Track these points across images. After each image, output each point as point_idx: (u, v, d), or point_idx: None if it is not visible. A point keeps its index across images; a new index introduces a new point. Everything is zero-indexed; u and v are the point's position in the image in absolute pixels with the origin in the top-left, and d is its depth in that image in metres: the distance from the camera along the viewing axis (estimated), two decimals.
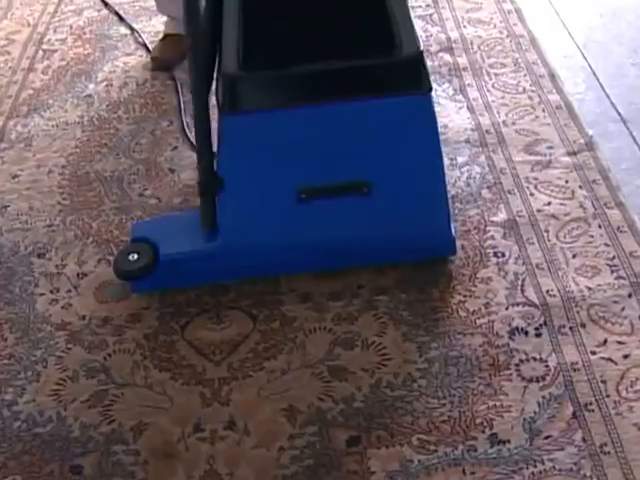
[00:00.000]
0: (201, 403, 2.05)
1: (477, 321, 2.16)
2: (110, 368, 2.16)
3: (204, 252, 2.30)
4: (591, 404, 1.94)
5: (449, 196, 2.34)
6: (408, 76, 2.14)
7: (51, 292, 2.38)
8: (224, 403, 2.04)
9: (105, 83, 3.23)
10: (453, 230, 2.31)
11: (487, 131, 2.77)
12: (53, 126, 3.03)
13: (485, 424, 1.93)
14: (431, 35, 3.28)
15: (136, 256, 2.29)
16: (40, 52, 3.46)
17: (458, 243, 2.33)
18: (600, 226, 2.38)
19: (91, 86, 3.22)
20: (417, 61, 2.13)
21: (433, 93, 2.18)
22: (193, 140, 2.80)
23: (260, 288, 2.32)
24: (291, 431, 1.96)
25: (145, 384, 2.11)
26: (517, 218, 2.43)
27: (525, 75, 3.01)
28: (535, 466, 1.84)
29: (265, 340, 2.19)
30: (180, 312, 2.29)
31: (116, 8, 3.66)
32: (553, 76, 2.98)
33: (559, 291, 2.21)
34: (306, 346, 2.16)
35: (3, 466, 1.96)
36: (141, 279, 2.30)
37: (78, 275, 2.42)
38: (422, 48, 2.15)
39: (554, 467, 1.83)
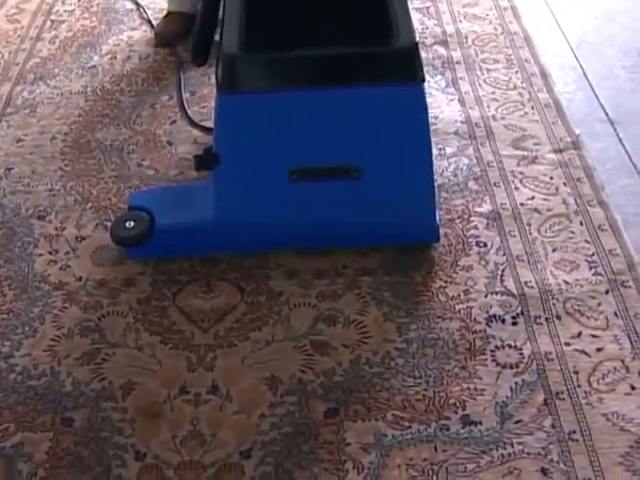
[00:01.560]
0: (187, 367, 2.09)
1: (456, 306, 2.20)
2: (103, 328, 2.20)
3: (198, 224, 2.33)
4: (562, 393, 1.98)
5: (436, 185, 2.37)
6: (402, 66, 2.16)
7: (50, 253, 2.41)
8: (209, 369, 2.08)
9: (109, 56, 3.25)
10: (438, 218, 2.34)
11: (476, 124, 2.80)
12: (58, 94, 3.06)
13: (458, 405, 1.97)
14: (427, 28, 3.31)
15: (132, 223, 2.32)
16: (48, 22, 3.48)
17: (442, 231, 2.37)
18: (582, 223, 2.42)
19: (96, 58, 3.25)
20: (412, 52, 2.15)
21: (426, 84, 2.20)
22: (191, 115, 2.86)
23: (249, 262, 2.35)
24: (272, 399, 2.00)
25: (136, 346, 2.15)
26: (501, 210, 2.46)
27: (517, 72, 3.04)
28: (505, 448, 1.88)
29: (251, 312, 2.22)
30: (172, 280, 2.32)
31: None
32: (544, 74, 3.01)
33: (537, 283, 2.24)
34: (290, 320, 2.19)
35: None
36: (136, 246, 2.33)
37: (76, 238, 2.46)
38: (417, 40, 2.17)
39: (523, 450, 1.87)
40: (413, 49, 2.15)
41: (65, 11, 3.54)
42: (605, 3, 3.44)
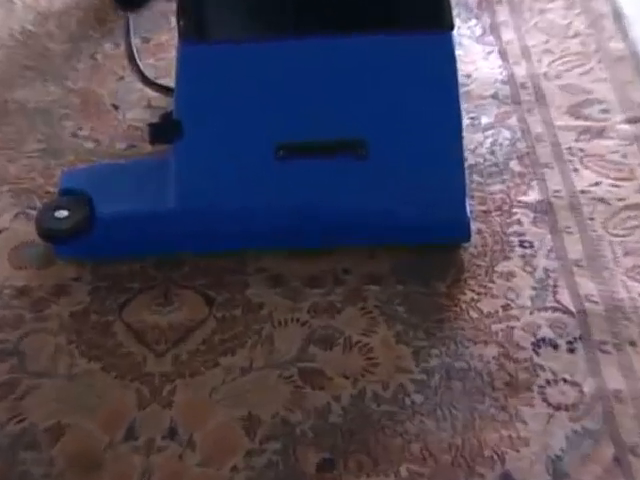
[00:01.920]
0: (137, 403, 2.10)
1: (493, 326, 2.22)
2: (25, 352, 2.21)
3: (154, 213, 2.38)
4: (638, 447, 1.96)
5: (466, 166, 2.41)
6: (424, 9, 2.20)
7: None
8: (166, 405, 2.10)
9: None
10: (468, 210, 2.37)
11: (522, 85, 2.85)
12: None
13: (496, 458, 1.96)
14: None
15: (65, 212, 2.35)
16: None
17: (474, 226, 2.40)
18: None
19: None
20: None
21: (455, 32, 2.24)
22: (143, 69, 2.84)
23: (221, 265, 2.40)
24: (249, 446, 2.02)
25: (68, 375, 2.16)
26: (553, 199, 2.49)
27: (579, 13, 3.09)
28: None
29: (223, 330, 2.25)
30: (119, 287, 2.35)
31: None
32: (619, 16, 3.05)
33: (602, 297, 2.26)
34: (274, 341, 2.22)
35: None
36: (71, 242, 2.37)
37: None
38: None
39: None
40: None
41: None
42: None
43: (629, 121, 2.71)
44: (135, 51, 2.94)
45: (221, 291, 2.35)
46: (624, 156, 2.62)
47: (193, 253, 2.42)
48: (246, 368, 2.18)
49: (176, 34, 2.27)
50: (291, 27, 2.22)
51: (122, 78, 2.95)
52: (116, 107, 2.85)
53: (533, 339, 2.20)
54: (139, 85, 2.86)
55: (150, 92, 2.84)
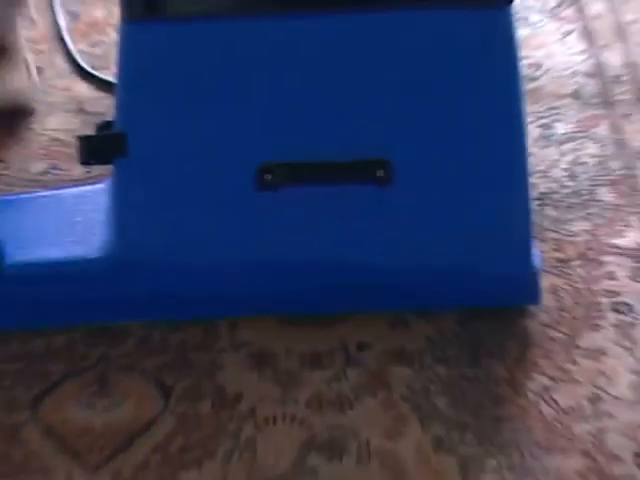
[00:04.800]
0: None
1: (575, 428, 2.22)
2: None
3: (82, 266, 2.39)
4: None
5: (534, 195, 2.42)
6: None
7: None
8: None
9: None
10: (537, 259, 2.38)
11: (616, 78, 2.88)
12: None
13: None
14: None
15: None
16: None
17: (546, 282, 2.43)
18: None
19: None
20: None
21: (516, 4, 2.22)
22: (77, 57, 2.95)
23: (181, 337, 2.42)
24: None
25: None
26: None
27: None
28: None
29: (184, 432, 2.25)
30: (35, 372, 2.36)
31: None
32: None
33: None
34: (257, 448, 2.22)
35: None
36: None
37: None
38: None
39: None
40: None
41: None
42: None
43: None
44: (63, 31, 3.00)
45: (182, 376, 2.36)
46: None
47: (139, 322, 2.44)
48: None
49: (117, 9, 2.26)
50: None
51: (42, 70, 2.96)
52: (31, 112, 2.86)
53: (635, 447, 2.19)
54: (66, 79, 2.93)
55: (80, 89, 2.90)
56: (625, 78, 2.85)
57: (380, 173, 2.27)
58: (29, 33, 3.03)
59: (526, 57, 2.29)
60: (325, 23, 2.20)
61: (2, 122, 2.82)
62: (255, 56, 2.22)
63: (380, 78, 2.25)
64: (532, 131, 2.43)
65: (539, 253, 2.40)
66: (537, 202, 2.44)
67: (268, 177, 2.28)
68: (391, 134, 2.27)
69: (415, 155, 2.28)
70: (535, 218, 2.39)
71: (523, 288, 2.39)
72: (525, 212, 2.34)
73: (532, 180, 2.37)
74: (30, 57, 2.79)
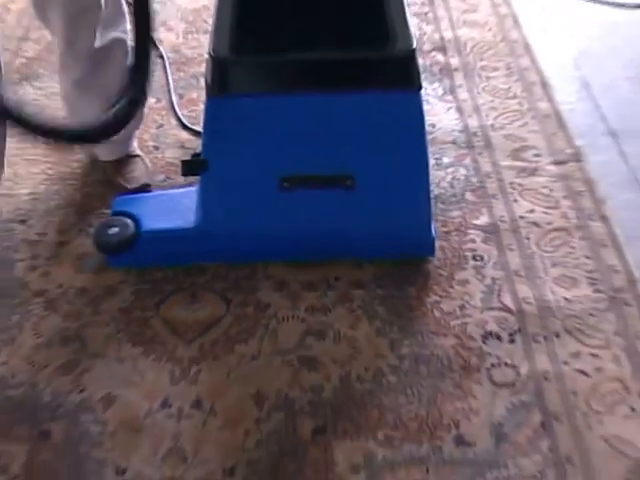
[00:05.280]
0: (170, 380, 2.07)
1: (451, 322, 2.19)
2: (84, 338, 2.18)
3: (183, 232, 2.32)
4: (560, 414, 1.97)
5: (432, 196, 2.34)
6: (399, 72, 2.13)
7: (30, 259, 2.41)
8: (192, 382, 2.07)
9: None
10: (434, 230, 2.32)
11: (475, 133, 2.79)
12: (42, 95, 3.04)
13: (452, 425, 1.96)
14: (425, 33, 3.30)
15: (116, 230, 2.31)
16: (35, 22, 3.43)
17: (438, 244, 2.36)
18: (582, 238, 2.41)
19: None
20: (409, 58, 2.12)
21: (423, 92, 2.17)
22: (181, 117, 2.88)
23: (236, 272, 2.34)
24: (257, 416, 1.99)
25: (117, 357, 2.13)
26: (499, 223, 2.45)
27: (517, 80, 3.03)
28: (499, 470, 1.87)
29: (237, 324, 2.21)
30: (156, 289, 2.31)
31: None
32: (545, 84, 3.00)
33: (536, 299, 2.24)
34: (278, 333, 2.18)
35: None
36: (119, 253, 2.32)
37: (58, 244, 2.45)
38: (415, 46, 2.13)
39: (518, 473, 1.86)
40: (411, 55, 2.11)
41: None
42: (608, 13, 3.42)
43: (555, 163, 2.67)
44: (175, 104, 2.92)
45: (236, 293, 2.29)
46: (552, 190, 2.57)
47: (214, 264, 2.36)
48: (255, 355, 2.14)
49: (203, 92, 2.20)
50: (291, 86, 2.15)
51: (161, 125, 2.89)
52: (156, 148, 2.79)
53: (482, 332, 2.17)
54: (174, 131, 2.85)
55: (183, 136, 2.82)
56: (479, 133, 2.79)
57: (348, 182, 2.21)
58: (157, 105, 2.96)
59: (427, 120, 2.20)
60: (314, 99, 2.14)
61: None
62: (281, 116, 2.15)
63: (346, 131, 2.18)
64: (431, 161, 2.34)
65: (435, 227, 2.34)
66: (433, 200, 2.36)
67: (285, 184, 2.22)
68: (355, 162, 2.21)
69: (368, 173, 2.22)
70: (433, 208, 2.33)
71: (426, 247, 2.33)
72: (428, 205, 2.29)
73: (432, 187, 2.30)
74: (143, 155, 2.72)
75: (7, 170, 2.67)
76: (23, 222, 2.52)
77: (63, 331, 2.20)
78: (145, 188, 2.59)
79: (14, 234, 2.49)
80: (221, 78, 2.14)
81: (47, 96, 3.02)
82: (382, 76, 2.13)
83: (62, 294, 2.30)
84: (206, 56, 2.14)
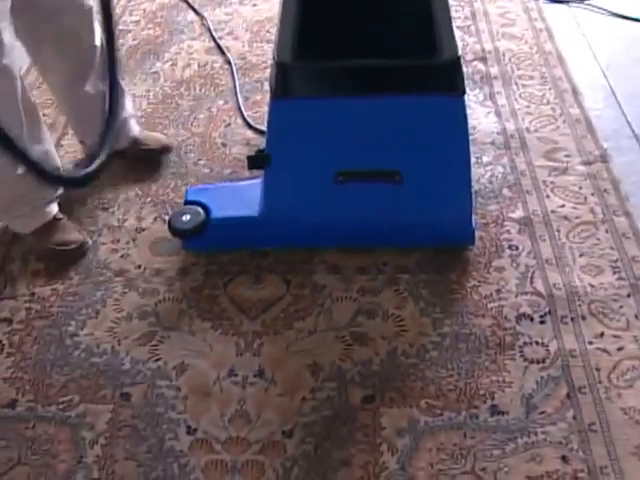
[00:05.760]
0: (236, 352, 2.11)
1: (488, 305, 2.20)
2: (159, 313, 2.23)
3: (248, 220, 2.34)
4: (584, 387, 1.99)
5: (473, 191, 2.34)
6: (445, 78, 2.13)
7: (112, 242, 2.45)
8: (256, 354, 2.10)
9: (170, 62, 3.27)
10: (474, 222, 2.33)
11: (511, 136, 2.79)
12: None
13: (487, 396, 1.98)
14: (467, 45, 3.29)
15: (189, 217, 2.34)
16: (115, 31, 3.47)
17: (477, 234, 2.36)
18: (607, 231, 2.40)
19: (158, 64, 3.26)
20: (455, 65, 2.12)
21: (465, 97, 2.17)
22: (247, 117, 2.89)
23: (295, 257, 2.37)
24: (313, 385, 2.02)
25: (189, 330, 2.17)
26: (532, 216, 2.45)
27: (550, 88, 3.02)
28: (529, 436, 1.90)
29: (296, 303, 2.24)
30: (224, 270, 2.34)
31: None
32: (575, 92, 2.98)
33: (564, 285, 2.24)
34: (332, 312, 2.20)
35: (64, 386, 2.06)
36: (192, 238, 2.35)
37: (137, 229, 2.49)
38: (460, 54, 2.13)
39: (546, 439, 1.89)
40: (456, 62, 2.11)
41: (131, 21, 3.55)
42: (632, 28, 3.40)
43: (584, 163, 2.65)
44: (241, 106, 2.94)
45: (295, 275, 2.32)
46: (580, 188, 2.56)
47: (275, 248, 2.39)
48: (312, 330, 2.16)
49: (267, 94, 2.21)
50: (347, 89, 2.15)
51: (229, 125, 2.90)
52: (224, 145, 2.81)
53: (516, 314, 2.18)
54: (241, 129, 2.87)
55: (248, 134, 2.84)
56: (515, 136, 2.78)
57: (397, 177, 2.22)
58: (225, 106, 2.99)
59: (469, 124, 2.20)
60: (367, 102, 2.13)
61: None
62: (337, 117, 2.16)
63: (396, 131, 2.18)
64: (472, 160, 2.33)
65: (475, 219, 2.34)
66: (474, 194, 2.35)
67: (340, 178, 2.23)
68: (402, 159, 2.22)
69: (415, 170, 2.22)
70: (473, 202, 2.32)
71: (467, 237, 2.34)
72: (469, 199, 2.29)
73: (472, 184, 2.29)
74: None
75: None
76: (106, 209, 2.57)
77: (141, 307, 2.25)
78: None
79: (98, 220, 2.53)
80: (284, 82, 2.15)
81: None
82: (430, 81, 2.13)
83: (140, 274, 2.34)
84: (270, 62, 2.17)
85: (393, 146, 2.21)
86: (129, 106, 2.69)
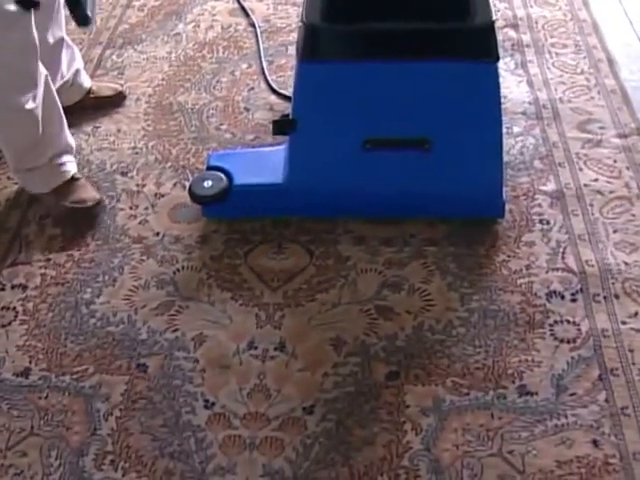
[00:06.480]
0: (256, 324, 2.06)
1: (518, 280, 2.14)
2: (178, 282, 2.18)
3: (272, 187, 2.29)
4: (617, 369, 1.93)
5: (503, 162, 2.29)
6: (479, 44, 2.07)
7: (130, 208, 2.41)
8: (277, 326, 2.05)
9: (193, 24, 3.22)
10: (504, 194, 2.27)
11: (544, 106, 2.72)
12: (144, 59, 3.04)
13: (516, 375, 1.92)
14: (498, 11, 3.20)
15: (210, 183, 2.29)
16: None
17: (507, 207, 2.30)
18: None
19: (180, 26, 3.21)
20: (489, 30, 2.06)
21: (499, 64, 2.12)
22: (271, 82, 2.84)
23: (319, 226, 2.32)
24: (336, 359, 1.97)
25: (208, 300, 2.13)
26: (565, 190, 2.39)
27: (584, 57, 2.94)
28: (559, 419, 1.84)
29: (319, 274, 2.19)
30: (245, 239, 2.29)
31: None
32: (611, 61, 2.91)
33: (597, 262, 2.18)
34: (357, 284, 2.15)
35: (78, 356, 2.02)
36: (213, 205, 2.31)
37: (156, 195, 2.44)
38: (495, 18, 2.07)
39: (576, 422, 1.83)
40: (490, 27, 2.06)
41: None
42: None
43: (619, 136, 2.59)
44: (265, 69, 2.89)
45: (319, 246, 2.27)
46: (615, 161, 2.50)
47: (299, 217, 2.34)
48: (336, 303, 2.11)
49: (292, 59, 2.16)
50: (377, 53, 2.09)
51: (252, 89, 2.85)
52: (247, 109, 2.75)
53: (546, 290, 2.12)
54: (264, 94, 2.81)
55: (272, 99, 2.78)
56: (548, 106, 2.72)
57: (426, 145, 2.17)
58: (248, 70, 2.94)
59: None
60: (397, 66, 2.08)
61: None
62: (366, 82, 2.10)
63: (426, 98, 2.13)
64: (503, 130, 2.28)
65: (505, 191, 2.28)
66: (504, 166, 2.28)
67: (368, 145, 2.18)
68: (432, 126, 2.16)
69: (444, 138, 2.16)
70: (503, 174, 2.27)
71: (496, 209, 2.28)
72: (499, 170, 2.24)
73: (503, 155, 2.24)
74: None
75: (111, 126, 2.71)
76: (125, 174, 2.52)
77: (159, 275, 2.20)
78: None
79: (116, 185, 2.49)
80: (312, 44, 2.10)
81: (148, 59, 3.02)
82: (463, 47, 2.08)
83: (159, 241, 2.30)
84: (295, 25, 2.11)
85: (423, 113, 2.15)
86: (79, 58, 2.71)
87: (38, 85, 2.23)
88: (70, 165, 2.41)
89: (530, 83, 2.82)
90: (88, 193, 2.41)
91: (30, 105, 2.21)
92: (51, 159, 2.35)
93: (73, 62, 2.65)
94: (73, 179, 2.41)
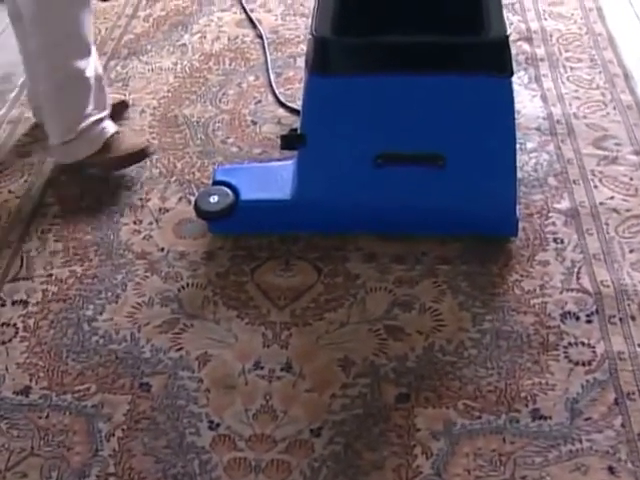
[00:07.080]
0: (262, 343, 2.06)
1: (531, 301, 2.14)
2: (182, 299, 2.18)
3: (280, 203, 2.29)
4: (633, 393, 1.92)
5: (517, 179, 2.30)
6: (492, 58, 2.08)
7: (134, 223, 2.41)
8: (283, 346, 2.05)
9: (199, 35, 3.23)
10: (518, 212, 2.27)
11: (558, 121, 2.72)
12: (149, 70, 3.05)
13: (529, 398, 1.91)
14: (512, 24, 3.20)
15: (216, 198, 2.29)
16: (143, 1, 3.47)
17: (520, 225, 2.30)
18: None
19: (186, 36, 3.22)
20: (503, 45, 2.07)
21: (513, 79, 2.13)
22: (278, 95, 2.84)
23: (328, 243, 2.31)
24: (344, 380, 1.96)
25: (213, 318, 2.12)
26: (579, 208, 2.38)
27: (600, 72, 2.95)
28: (573, 444, 1.82)
29: (328, 292, 2.18)
30: (251, 256, 2.29)
31: None
32: (627, 76, 2.91)
33: (613, 282, 2.17)
34: (366, 303, 2.15)
35: (80, 374, 2.01)
36: (219, 220, 2.30)
37: (160, 210, 2.44)
38: (509, 33, 2.08)
39: (591, 447, 1.81)
40: (504, 41, 2.07)
41: None
42: None
43: (636, 153, 2.59)
44: (272, 82, 2.89)
45: (327, 263, 2.26)
46: (631, 179, 2.49)
47: (307, 233, 2.33)
48: (344, 322, 2.10)
49: (300, 71, 2.17)
50: (389, 67, 2.09)
51: (260, 101, 2.85)
52: (254, 122, 2.76)
53: (561, 311, 2.11)
54: (272, 107, 2.82)
55: (280, 112, 2.79)
56: (562, 121, 2.72)
57: (439, 161, 2.17)
58: (255, 82, 2.94)
59: None
60: (410, 80, 2.09)
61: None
62: (378, 96, 2.11)
63: (439, 112, 2.14)
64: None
65: (518, 210, 2.28)
66: (517, 183, 2.28)
67: (379, 160, 2.18)
68: (446, 142, 2.16)
69: (458, 154, 2.17)
70: (517, 191, 2.27)
71: (510, 227, 2.27)
72: (513, 188, 2.23)
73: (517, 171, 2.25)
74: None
75: None
76: (128, 188, 2.52)
77: (163, 292, 2.20)
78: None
79: (120, 199, 2.49)
80: (322, 58, 2.10)
81: (153, 70, 3.03)
82: (476, 61, 2.08)
83: (163, 257, 2.29)
84: (304, 37, 2.12)
85: (435, 128, 2.15)
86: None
87: (92, 53, 2.44)
88: (109, 123, 2.55)
89: (544, 98, 2.82)
90: (137, 138, 2.61)
91: (89, 72, 2.41)
92: (94, 122, 2.49)
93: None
94: (117, 133, 2.54)
